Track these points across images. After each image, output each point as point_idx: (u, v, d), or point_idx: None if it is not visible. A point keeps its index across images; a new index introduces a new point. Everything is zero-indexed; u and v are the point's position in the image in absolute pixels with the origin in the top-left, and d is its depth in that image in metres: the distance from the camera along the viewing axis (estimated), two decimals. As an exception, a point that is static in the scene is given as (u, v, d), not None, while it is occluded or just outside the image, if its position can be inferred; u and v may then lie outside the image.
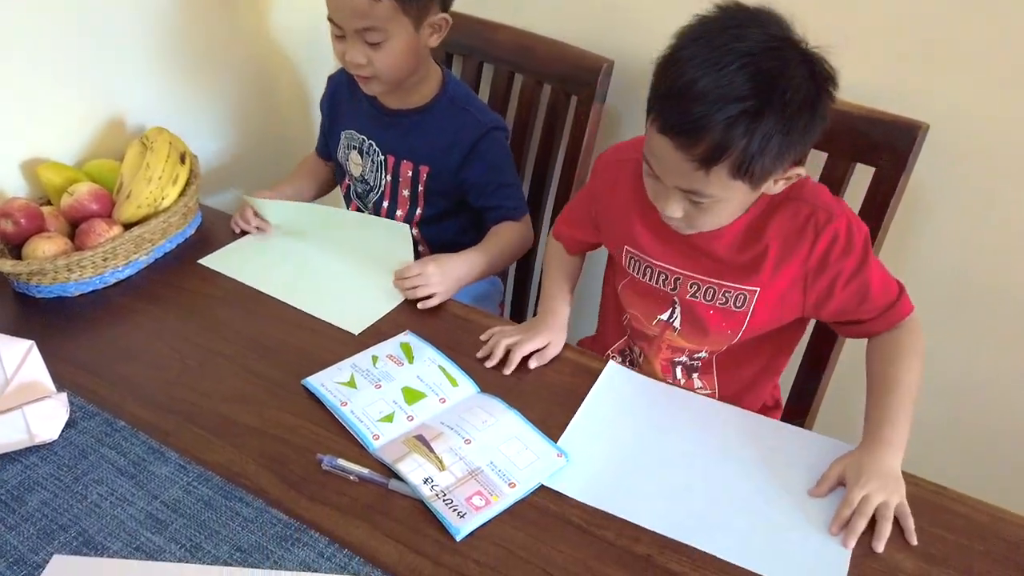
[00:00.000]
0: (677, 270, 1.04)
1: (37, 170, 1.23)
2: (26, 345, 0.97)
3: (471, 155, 1.28)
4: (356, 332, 1.09)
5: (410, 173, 1.31)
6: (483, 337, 1.07)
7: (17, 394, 0.92)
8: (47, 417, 0.92)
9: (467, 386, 1.01)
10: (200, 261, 1.23)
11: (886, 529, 0.82)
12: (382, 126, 1.31)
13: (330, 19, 1.16)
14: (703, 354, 1.10)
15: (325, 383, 1.00)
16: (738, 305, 1.02)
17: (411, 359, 1.04)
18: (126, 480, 0.88)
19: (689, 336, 1.08)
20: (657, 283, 1.07)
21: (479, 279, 1.26)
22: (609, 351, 1.21)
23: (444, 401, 0.99)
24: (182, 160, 1.27)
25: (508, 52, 1.43)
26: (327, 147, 1.44)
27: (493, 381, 1.02)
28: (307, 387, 0.99)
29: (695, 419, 0.97)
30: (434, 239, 1.38)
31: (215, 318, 1.12)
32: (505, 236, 1.29)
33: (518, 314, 1.57)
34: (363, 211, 1.41)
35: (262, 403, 0.98)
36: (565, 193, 1.43)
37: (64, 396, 0.94)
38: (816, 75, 0.84)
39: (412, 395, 0.99)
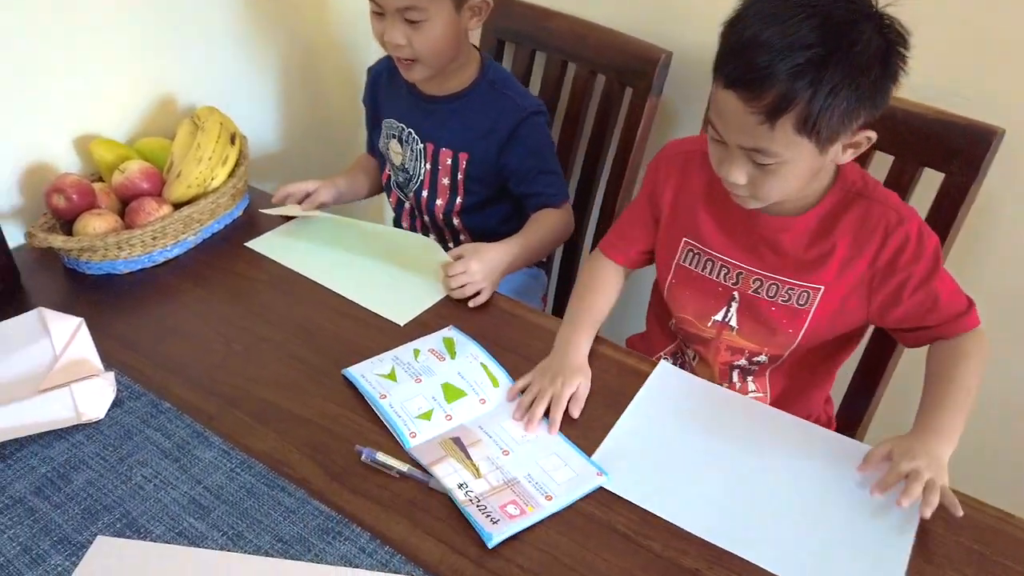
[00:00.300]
0: (740, 264, 1.01)
1: (89, 146, 1.24)
2: (75, 322, 0.97)
3: (511, 141, 1.25)
4: (401, 323, 1.08)
5: (449, 161, 1.29)
6: (508, 398, 0.97)
7: (65, 371, 0.93)
8: (94, 396, 0.92)
9: (508, 386, 0.99)
10: (247, 244, 1.23)
11: (934, 498, 0.80)
12: (421, 113, 1.30)
13: None
14: (762, 358, 1.07)
15: (365, 374, 0.98)
16: (801, 303, 0.99)
17: (453, 354, 1.03)
18: (170, 463, 0.88)
19: (750, 335, 1.05)
20: (718, 277, 1.04)
21: (520, 268, 1.24)
22: (661, 353, 1.19)
23: (484, 402, 0.97)
24: (232, 141, 1.27)
25: (562, 40, 1.40)
26: (374, 143, 1.43)
27: (538, 379, 1.00)
28: (347, 377, 0.98)
29: (746, 424, 0.95)
30: (476, 228, 1.36)
31: (260, 302, 1.12)
32: (545, 224, 1.27)
33: (561, 307, 1.55)
34: (404, 201, 1.39)
35: (305, 390, 0.97)
36: (616, 186, 1.40)
37: (111, 375, 0.95)
38: (886, 30, 0.82)
39: (452, 392, 0.97)
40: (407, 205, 1.40)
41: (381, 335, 1.06)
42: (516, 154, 1.26)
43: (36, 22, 1.14)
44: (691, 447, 0.91)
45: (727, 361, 1.09)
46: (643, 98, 1.32)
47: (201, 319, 1.08)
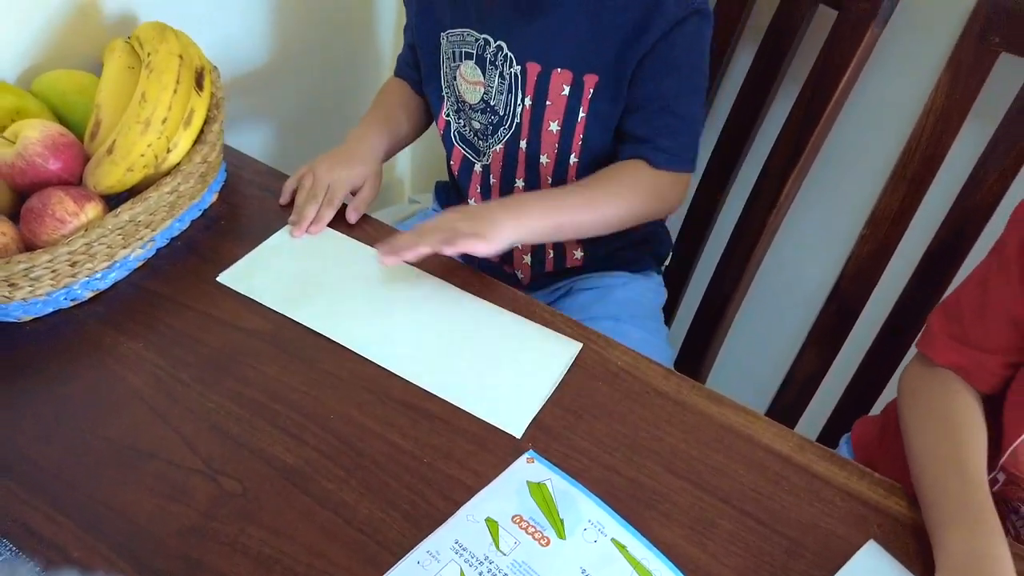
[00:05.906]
0: None
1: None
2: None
3: (656, 51, 0.78)
4: (519, 432, 0.64)
5: (566, 89, 0.81)
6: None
7: None
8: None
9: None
10: (219, 279, 0.74)
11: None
12: (519, 14, 0.80)
13: None
14: None
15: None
16: None
17: (560, 527, 0.58)
18: None
19: None
20: None
21: (543, 239, 0.86)
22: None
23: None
24: (199, 83, 0.77)
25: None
26: (417, 65, 0.93)
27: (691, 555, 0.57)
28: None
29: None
30: None
31: (261, 379, 0.66)
32: (626, 182, 0.81)
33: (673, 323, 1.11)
34: (475, 162, 0.92)
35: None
36: (785, 158, 0.93)
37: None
38: None
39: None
40: (477, 168, 0.92)
41: (481, 453, 0.62)
42: (653, 72, 0.79)
43: None
44: None
45: None
46: (858, 27, 0.83)
47: (155, 419, 0.63)
